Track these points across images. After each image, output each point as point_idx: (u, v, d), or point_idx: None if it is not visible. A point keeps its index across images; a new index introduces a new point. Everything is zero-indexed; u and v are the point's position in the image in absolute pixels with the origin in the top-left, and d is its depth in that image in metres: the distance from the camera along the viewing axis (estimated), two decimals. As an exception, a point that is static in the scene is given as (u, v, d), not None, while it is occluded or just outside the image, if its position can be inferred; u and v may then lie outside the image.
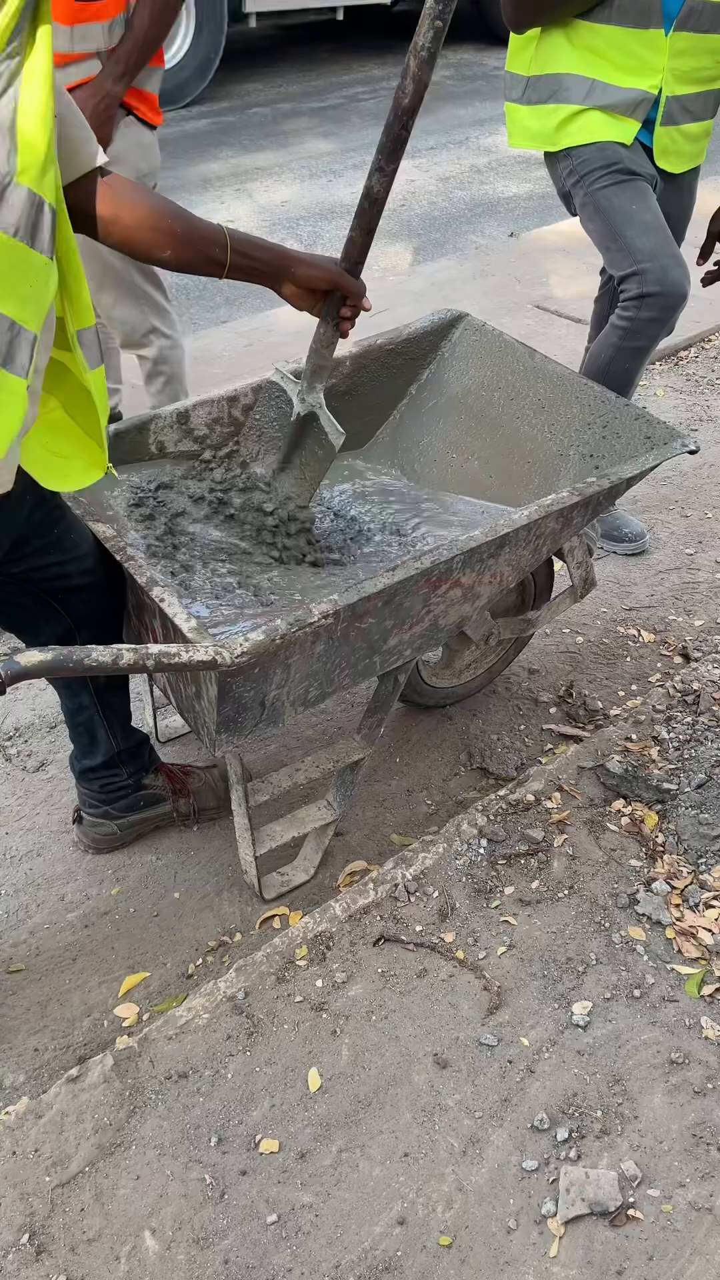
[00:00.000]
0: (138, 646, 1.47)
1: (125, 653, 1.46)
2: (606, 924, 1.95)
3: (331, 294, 1.79)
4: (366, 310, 1.86)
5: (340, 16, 8.34)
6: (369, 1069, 1.74)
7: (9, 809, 2.25)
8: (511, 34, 2.47)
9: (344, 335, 1.91)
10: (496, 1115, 1.68)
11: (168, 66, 7.19)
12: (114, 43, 2.49)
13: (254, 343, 4.08)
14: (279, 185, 6.17)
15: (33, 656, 1.37)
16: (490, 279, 4.57)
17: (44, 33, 1.21)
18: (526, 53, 2.44)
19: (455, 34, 9.27)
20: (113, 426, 2.02)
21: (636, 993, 1.85)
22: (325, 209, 5.82)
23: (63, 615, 1.77)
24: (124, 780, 2.05)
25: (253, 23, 7.91)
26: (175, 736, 2.40)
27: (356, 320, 1.88)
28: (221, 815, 2.21)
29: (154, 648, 1.49)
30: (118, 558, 1.76)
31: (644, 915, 1.97)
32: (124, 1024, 1.89)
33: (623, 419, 2.05)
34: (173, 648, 1.51)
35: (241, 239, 1.65)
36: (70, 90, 2.53)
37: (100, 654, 1.43)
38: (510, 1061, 1.75)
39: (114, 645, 1.45)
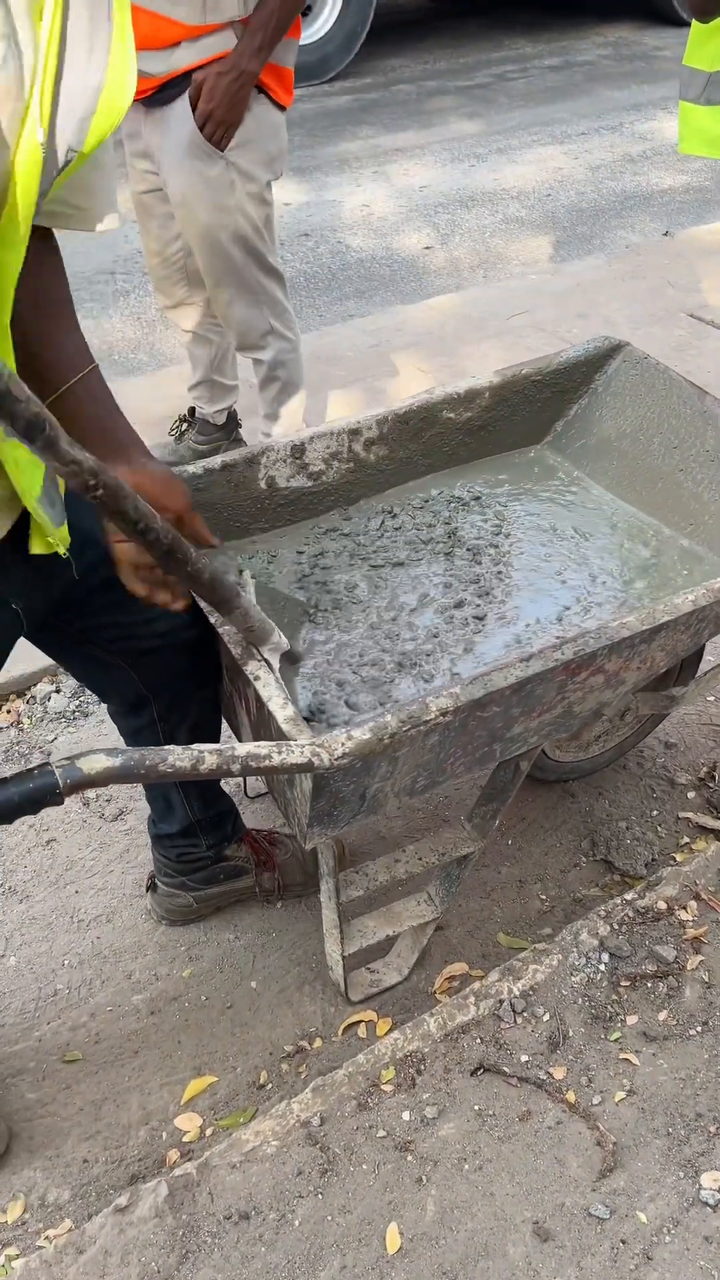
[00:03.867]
0: (222, 748, 1.25)
1: (207, 755, 1.23)
2: (746, 1075, 1.67)
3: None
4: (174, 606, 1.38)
5: (493, -10, 7.98)
6: (457, 1232, 1.50)
7: (82, 862, 2.06)
8: (693, 23, 2.14)
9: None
10: (604, 1312, 1.42)
11: (311, 40, 6.99)
12: (248, 11, 2.26)
13: (382, 342, 3.82)
14: (419, 168, 5.88)
15: (97, 762, 1.16)
16: (640, 282, 4.22)
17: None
18: (711, 45, 2.12)
19: (613, 11, 8.83)
20: (219, 458, 1.80)
21: (779, 1168, 1.56)
22: (466, 195, 5.51)
23: (133, 677, 1.55)
24: (203, 851, 1.84)
25: (402, -5, 7.60)
26: (263, 793, 2.19)
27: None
28: (309, 892, 1.98)
29: (241, 749, 1.26)
30: (211, 621, 1.54)
31: (791, 1068, 1.68)
32: (184, 1138, 1.68)
33: None
34: (263, 748, 1.28)
35: (98, 386, 1.31)
36: (203, 65, 2.31)
37: (178, 758, 1.20)
38: (624, 1241, 1.49)
39: (195, 746, 1.23)
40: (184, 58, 2.33)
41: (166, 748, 1.20)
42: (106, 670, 1.55)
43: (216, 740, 1.77)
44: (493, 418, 1.99)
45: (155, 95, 2.40)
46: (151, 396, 3.55)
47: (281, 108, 2.50)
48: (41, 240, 1.19)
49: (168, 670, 1.56)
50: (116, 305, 4.37)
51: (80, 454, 0.98)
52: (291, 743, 1.31)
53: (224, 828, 1.84)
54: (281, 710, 1.40)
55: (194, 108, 2.35)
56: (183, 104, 2.37)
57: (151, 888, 1.93)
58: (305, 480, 1.89)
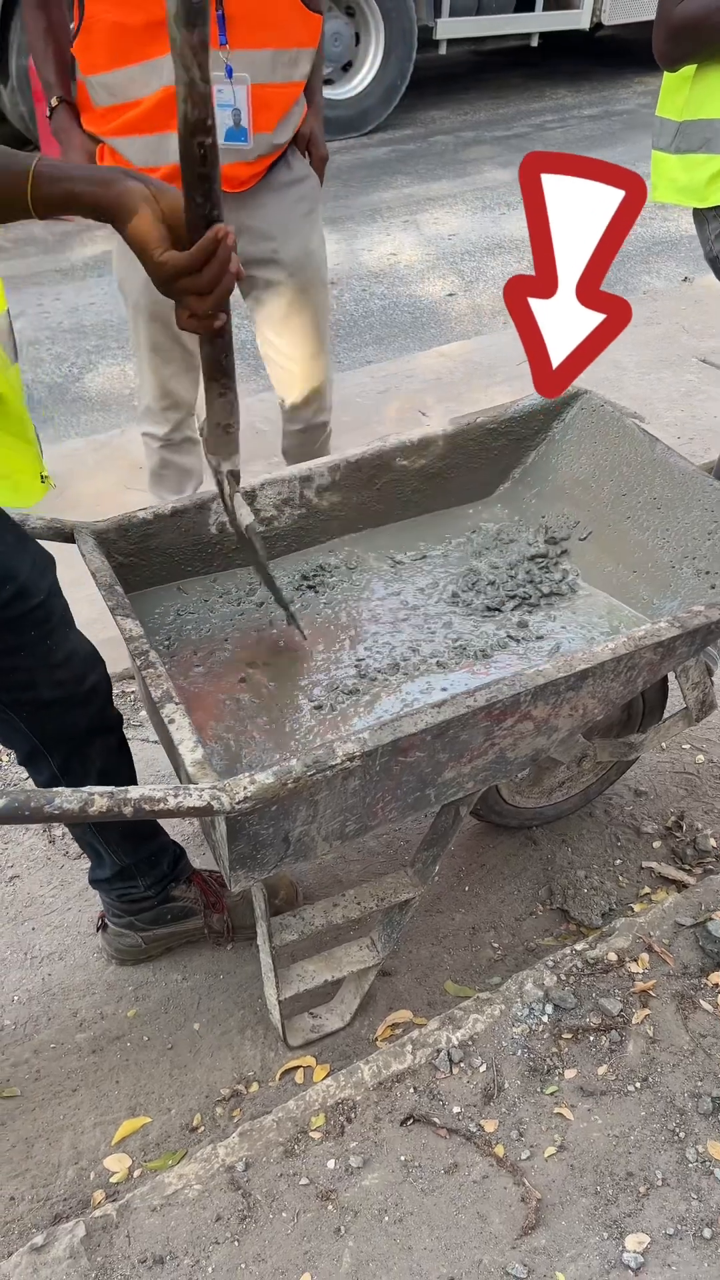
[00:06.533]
0: (115, 790, 1.27)
1: (98, 798, 1.25)
2: (681, 1134, 1.63)
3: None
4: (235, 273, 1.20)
5: (534, 43, 8.09)
6: (371, 1286, 1.48)
7: (41, 900, 2.09)
8: (665, 73, 2.17)
9: (206, 329, 1.24)
10: None
11: (351, 94, 7.16)
12: None
13: (390, 388, 3.87)
14: (449, 216, 5.96)
15: (-19, 802, 1.19)
16: (655, 327, 4.22)
17: None
18: (680, 94, 2.14)
19: (653, 61, 8.89)
20: (170, 504, 1.84)
21: (707, 1233, 1.52)
22: (493, 243, 5.57)
23: (26, 733, 1.58)
24: (143, 891, 1.85)
25: (443, 49, 7.75)
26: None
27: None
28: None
29: (134, 792, 1.28)
30: (136, 662, 1.57)
31: (730, 1128, 1.64)
32: (112, 1178, 1.68)
33: (750, 531, 1.73)
34: (158, 791, 1.29)
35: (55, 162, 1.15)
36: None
37: (66, 800, 1.23)
38: (539, 1303, 1.46)
39: (85, 788, 1.25)
40: (297, 116, 2.25)
41: (54, 791, 1.22)
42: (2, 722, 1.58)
43: (133, 783, 1.80)
44: (447, 465, 2.00)
45: (274, 163, 2.25)
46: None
47: None
48: None
49: (65, 726, 1.59)
50: (140, 353, 4.48)
51: None
52: (190, 786, 1.33)
53: (160, 867, 1.86)
54: (190, 754, 1.42)
55: (310, 158, 2.36)
56: (295, 161, 2.30)
57: (102, 927, 1.95)
58: (257, 525, 1.91)
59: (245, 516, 1.58)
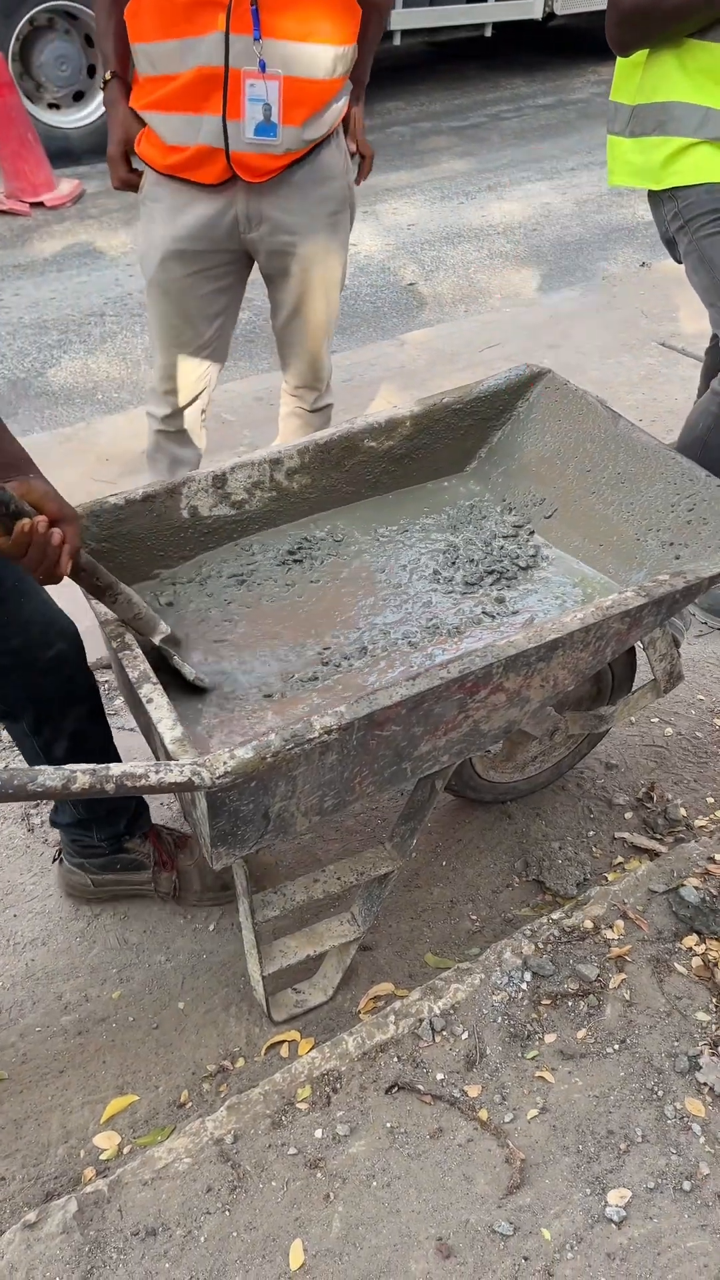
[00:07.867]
0: (97, 767, 1.29)
1: (80, 775, 1.27)
2: (660, 1092, 1.67)
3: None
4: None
5: (488, 33, 8.12)
6: (361, 1248, 1.51)
7: (21, 887, 2.10)
8: (618, 60, 2.20)
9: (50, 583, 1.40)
10: (501, 1328, 1.42)
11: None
12: None
13: (354, 377, 3.89)
14: (408, 206, 5.98)
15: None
16: (615, 312, 4.27)
17: None
18: (633, 79, 2.18)
19: (608, 49, 8.96)
20: (141, 489, 1.86)
21: (686, 1185, 1.56)
22: (452, 232, 5.60)
23: None
24: (94, 842, 1.94)
25: (398, 40, 7.75)
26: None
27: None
28: (204, 903, 2.04)
29: (116, 769, 1.30)
30: (112, 644, 1.59)
31: (705, 1085, 1.68)
32: (101, 1155, 1.70)
33: (712, 502, 1.76)
34: (139, 768, 1.31)
35: None
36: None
37: (48, 778, 1.25)
38: (526, 1258, 1.49)
39: (68, 766, 1.27)
40: (337, 110, 2.24)
41: (38, 769, 1.24)
42: None
43: (108, 748, 1.83)
44: (415, 446, 2.03)
45: (301, 159, 2.22)
46: (130, 432, 3.64)
47: None
48: None
49: (25, 691, 1.63)
50: (103, 346, 4.48)
51: None
52: (170, 762, 1.35)
53: (116, 824, 1.93)
54: (170, 731, 1.44)
55: (359, 156, 2.40)
56: (330, 159, 2.28)
57: (58, 859, 2.04)
58: (228, 509, 1.94)
59: (189, 673, 1.72)
